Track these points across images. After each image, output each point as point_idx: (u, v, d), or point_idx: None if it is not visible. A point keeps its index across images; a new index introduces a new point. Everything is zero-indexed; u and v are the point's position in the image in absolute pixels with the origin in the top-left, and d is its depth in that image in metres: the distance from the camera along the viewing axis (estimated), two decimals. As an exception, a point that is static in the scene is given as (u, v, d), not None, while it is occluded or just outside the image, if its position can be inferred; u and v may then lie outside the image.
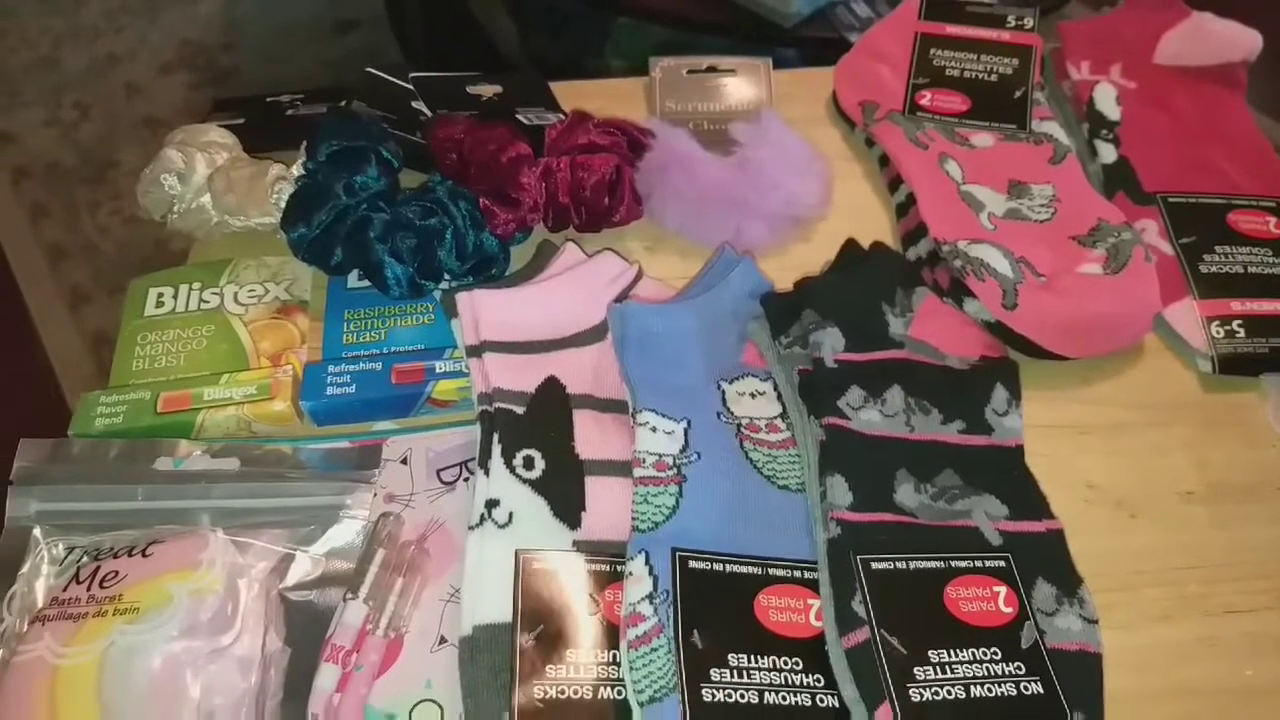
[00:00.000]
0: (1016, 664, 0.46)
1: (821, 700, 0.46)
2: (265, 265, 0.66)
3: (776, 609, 0.48)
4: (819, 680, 0.46)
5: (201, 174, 0.66)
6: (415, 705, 0.47)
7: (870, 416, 0.55)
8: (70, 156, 1.86)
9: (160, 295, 0.64)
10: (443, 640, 0.49)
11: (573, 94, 0.76)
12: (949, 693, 0.45)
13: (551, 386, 0.57)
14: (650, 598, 0.47)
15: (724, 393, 0.57)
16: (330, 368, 0.59)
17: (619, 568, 0.49)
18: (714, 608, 0.48)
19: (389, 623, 0.49)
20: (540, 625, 0.47)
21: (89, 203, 1.78)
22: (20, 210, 1.78)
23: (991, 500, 0.53)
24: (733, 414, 0.56)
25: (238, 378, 0.58)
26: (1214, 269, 0.65)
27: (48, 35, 2.06)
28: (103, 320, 1.60)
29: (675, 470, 0.52)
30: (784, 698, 0.45)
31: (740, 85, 0.78)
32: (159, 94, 1.96)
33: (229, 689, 0.46)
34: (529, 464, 0.53)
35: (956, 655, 0.46)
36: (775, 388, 0.58)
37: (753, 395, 0.58)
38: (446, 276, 0.63)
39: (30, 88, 1.97)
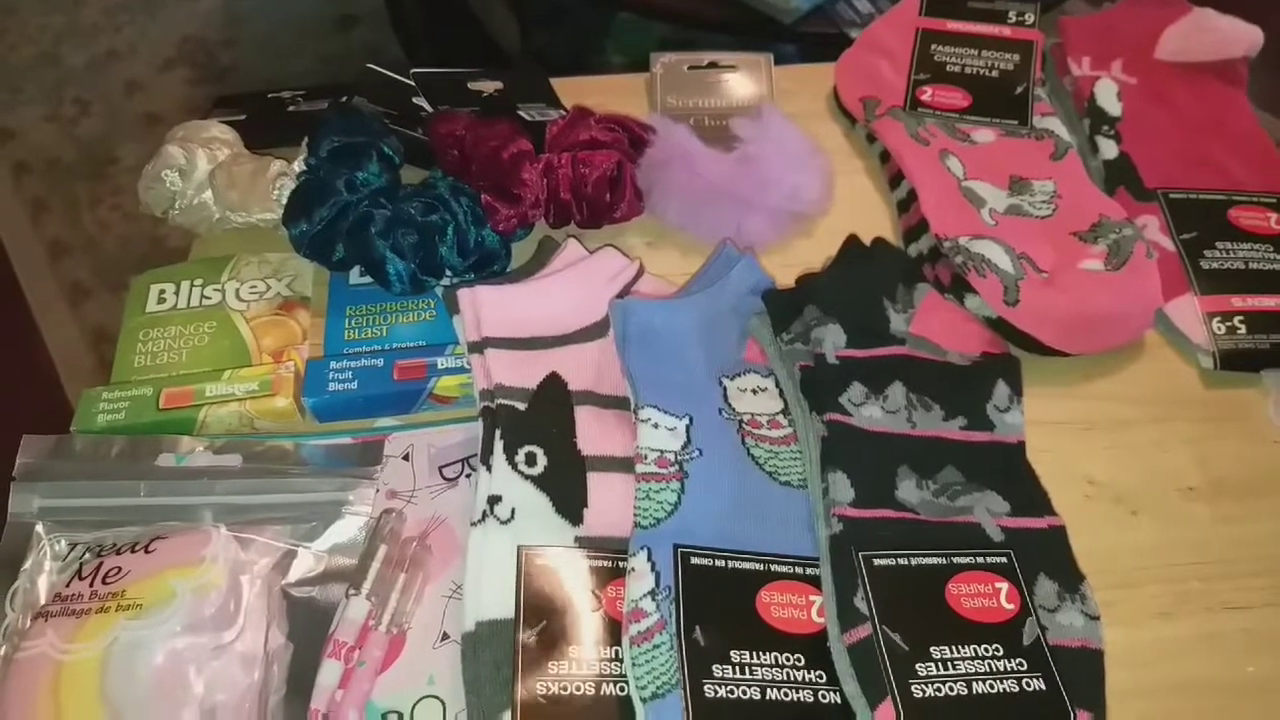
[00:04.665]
0: (1018, 660, 0.46)
1: (823, 697, 0.46)
2: (267, 261, 0.66)
3: (778, 605, 0.48)
4: (821, 676, 0.46)
5: (203, 170, 0.66)
6: (418, 701, 0.47)
7: (872, 413, 0.55)
8: (70, 152, 1.85)
9: (162, 292, 0.64)
10: (445, 636, 0.49)
11: (574, 90, 0.76)
12: (951, 689, 0.45)
13: (553, 383, 0.57)
14: (652, 594, 0.47)
15: (725, 389, 0.57)
16: (332, 364, 0.59)
17: (621, 564, 0.49)
18: (716, 604, 0.48)
19: (391, 619, 0.49)
20: (542, 621, 0.47)
21: (89, 198, 1.78)
22: (21, 206, 1.78)
23: (993, 497, 0.53)
24: (734, 410, 0.56)
25: (240, 374, 0.58)
26: (1215, 265, 0.65)
27: (48, 32, 2.06)
28: (103, 316, 1.61)
29: (677, 466, 0.52)
30: (786, 694, 0.45)
31: (741, 81, 0.78)
32: (159, 90, 1.96)
33: (232, 685, 0.46)
34: (531, 460, 0.53)
35: (958, 651, 0.46)
36: (777, 384, 0.58)
37: (754, 391, 0.58)
38: (448, 273, 0.63)
39: (31, 84, 1.97)
